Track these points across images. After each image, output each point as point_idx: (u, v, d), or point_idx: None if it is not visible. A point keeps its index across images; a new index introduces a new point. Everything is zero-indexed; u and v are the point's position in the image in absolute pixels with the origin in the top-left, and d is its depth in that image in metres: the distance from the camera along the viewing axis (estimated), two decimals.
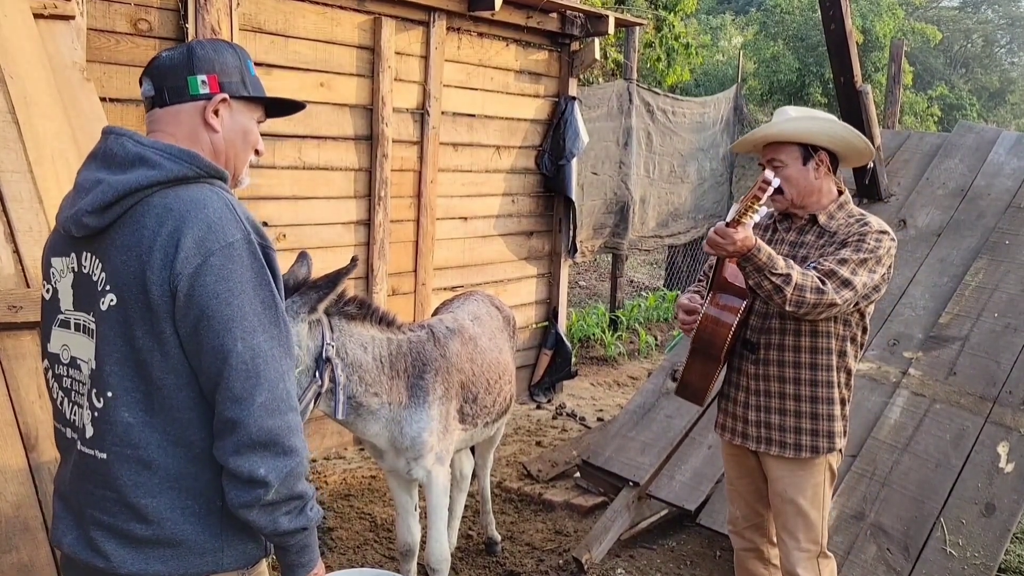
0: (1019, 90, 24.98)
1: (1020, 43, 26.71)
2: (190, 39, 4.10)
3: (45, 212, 3.01)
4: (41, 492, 2.55)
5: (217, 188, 1.63)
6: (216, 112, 1.71)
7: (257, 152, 1.84)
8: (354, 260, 2.75)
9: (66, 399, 1.69)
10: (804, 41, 16.79)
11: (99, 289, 1.60)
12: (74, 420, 1.67)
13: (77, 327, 1.64)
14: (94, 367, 1.61)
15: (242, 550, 1.66)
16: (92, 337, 1.61)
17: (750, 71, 17.59)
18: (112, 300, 1.57)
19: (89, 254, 1.62)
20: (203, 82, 1.69)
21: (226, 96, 1.71)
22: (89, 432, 1.63)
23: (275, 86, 4.56)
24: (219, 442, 1.56)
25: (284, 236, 4.78)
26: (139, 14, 4.00)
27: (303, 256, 2.80)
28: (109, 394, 1.59)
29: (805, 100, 16.52)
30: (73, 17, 3.46)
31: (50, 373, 1.73)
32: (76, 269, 1.65)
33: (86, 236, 1.62)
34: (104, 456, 1.60)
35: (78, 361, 1.64)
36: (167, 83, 1.69)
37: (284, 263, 4.66)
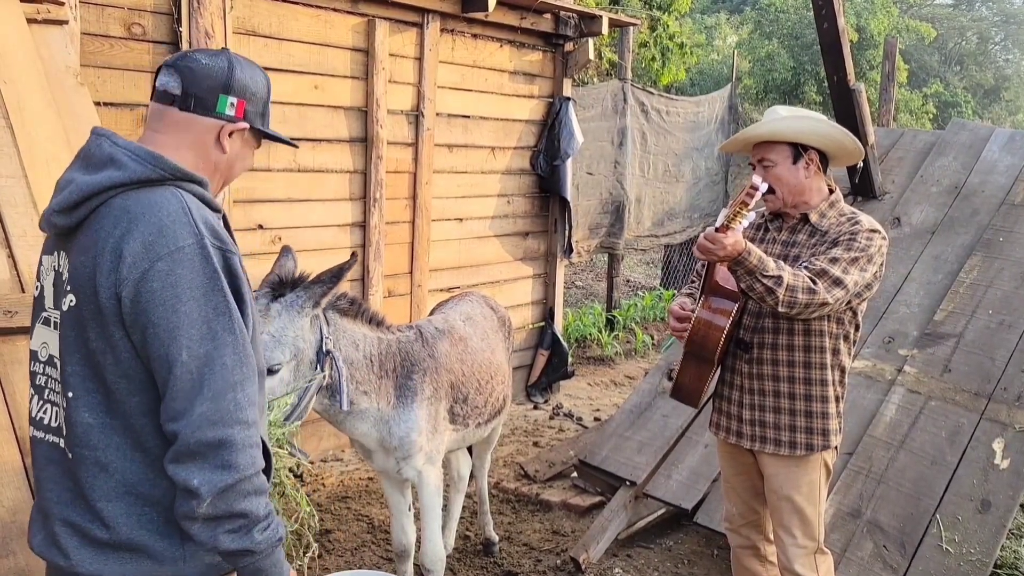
0: (1014, 87, 25.03)
1: (1014, 40, 26.76)
2: (184, 43, 4.10)
3: (40, 217, 3.01)
4: None
5: (181, 191, 1.60)
6: (231, 134, 1.72)
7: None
8: (354, 255, 2.79)
9: (37, 396, 1.69)
10: (799, 40, 16.81)
11: (64, 289, 1.60)
12: (42, 418, 1.67)
13: (54, 325, 1.64)
14: (59, 366, 1.61)
15: (207, 562, 1.61)
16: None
17: (745, 70, 17.60)
18: (72, 301, 1.57)
19: (63, 253, 1.63)
20: (232, 104, 1.69)
21: (248, 126, 1.73)
22: (63, 430, 1.62)
23: None
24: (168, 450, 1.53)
25: (280, 239, 4.78)
26: (132, 18, 4.00)
27: (286, 250, 2.84)
28: (70, 394, 1.58)
29: (800, 99, 16.54)
30: (66, 22, 3.47)
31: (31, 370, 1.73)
32: (56, 267, 1.65)
33: (61, 235, 1.63)
34: (70, 455, 1.60)
35: (54, 359, 1.64)
36: (198, 91, 1.67)
37: None
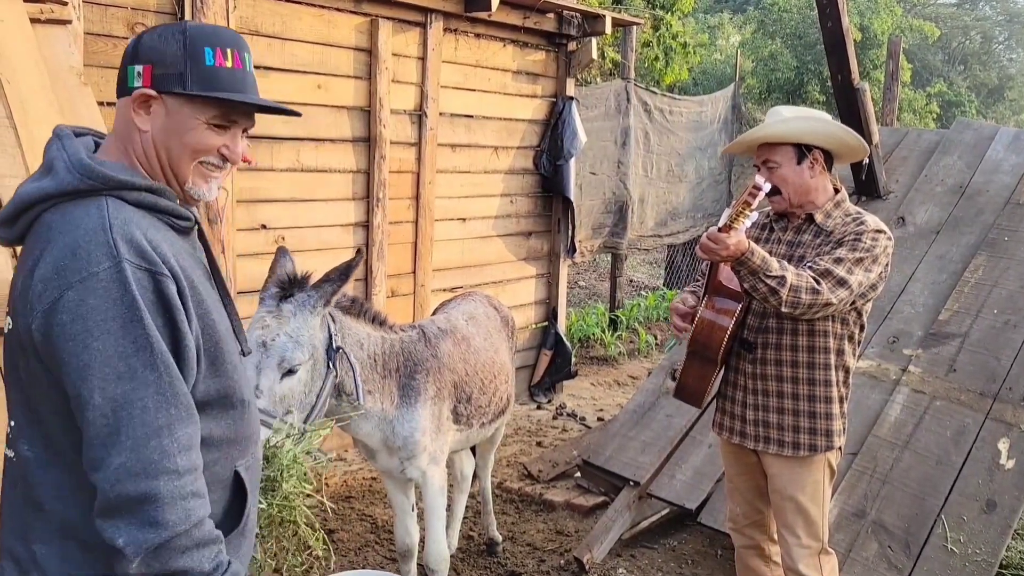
0: (1017, 86, 24.99)
1: (1018, 39, 26.71)
2: None
3: None
4: None
5: (109, 202, 1.40)
6: (145, 108, 1.47)
7: (230, 160, 1.58)
8: (359, 252, 2.81)
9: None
10: (802, 39, 16.78)
11: (4, 309, 1.47)
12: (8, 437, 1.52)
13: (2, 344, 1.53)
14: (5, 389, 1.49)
15: None
16: None
17: (748, 70, 17.59)
18: (9, 323, 1.43)
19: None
20: (138, 74, 1.46)
21: (149, 92, 1.46)
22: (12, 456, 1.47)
23: (272, 89, 4.56)
24: None
25: (283, 239, 4.78)
26: (136, 18, 4.00)
27: (282, 251, 2.81)
28: (12, 423, 1.44)
29: (803, 98, 16.51)
30: (70, 22, 3.47)
31: None
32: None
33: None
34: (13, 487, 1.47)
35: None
36: (119, 73, 1.50)
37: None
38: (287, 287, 2.65)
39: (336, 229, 5.08)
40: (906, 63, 16.89)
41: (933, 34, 18.69)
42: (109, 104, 3.92)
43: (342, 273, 2.65)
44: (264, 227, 4.66)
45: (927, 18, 21.28)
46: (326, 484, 4.83)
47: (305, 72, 4.76)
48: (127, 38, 3.98)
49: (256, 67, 4.70)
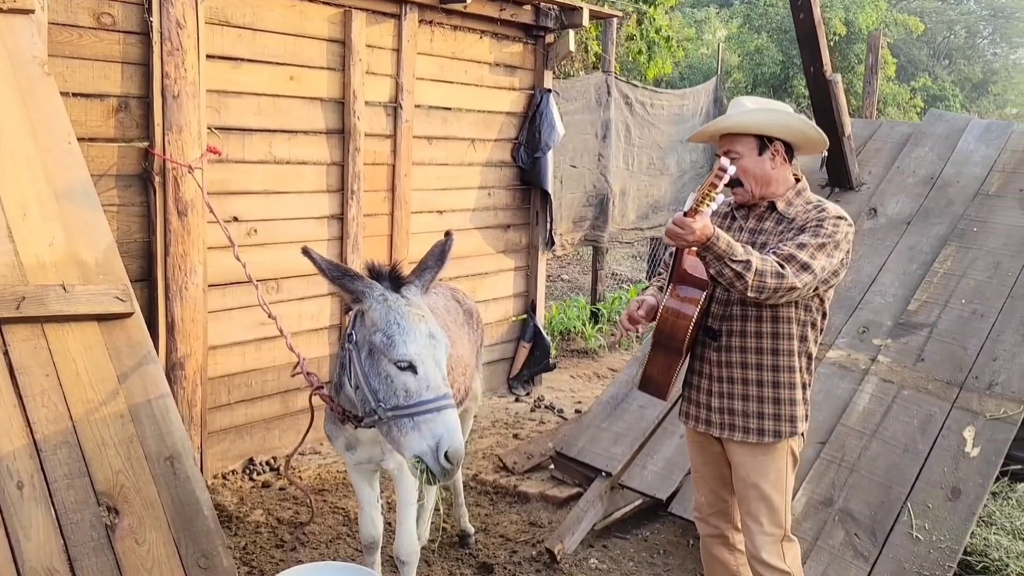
0: (1002, 81, 25.10)
1: (1002, 34, 26.81)
2: (155, 33, 4.07)
3: (4, 210, 2.99)
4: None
5: None
6: None
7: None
8: (449, 234, 2.90)
9: None
10: (787, 33, 16.79)
11: None
12: None
13: None
14: None
15: None
16: None
17: (735, 64, 17.62)
18: None
19: None
20: None
21: None
22: None
23: (243, 80, 4.54)
24: None
25: (256, 231, 4.76)
26: (102, 7, 3.97)
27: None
28: None
29: (789, 92, 16.55)
30: (33, 11, 3.44)
31: None
32: None
33: None
34: None
35: None
36: None
37: (254, 259, 4.64)
38: (396, 279, 2.70)
39: (310, 222, 5.06)
40: (891, 57, 16.93)
41: (918, 28, 18.73)
42: (75, 95, 3.91)
43: (437, 259, 2.80)
44: (236, 219, 4.64)
45: (912, 13, 21.32)
46: (300, 477, 4.83)
47: (277, 64, 4.74)
48: (93, 28, 3.97)
49: (227, 58, 4.69)
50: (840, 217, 2.76)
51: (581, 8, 6.23)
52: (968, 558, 3.50)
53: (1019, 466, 4.31)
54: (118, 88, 4.07)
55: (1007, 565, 3.41)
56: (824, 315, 2.88)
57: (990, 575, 3.43)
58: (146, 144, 4.16)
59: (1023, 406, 3.79)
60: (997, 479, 3.89)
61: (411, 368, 2.54)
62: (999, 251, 4.44)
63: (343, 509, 4.49)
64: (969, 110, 21.07)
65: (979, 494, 3.54)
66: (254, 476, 4.85)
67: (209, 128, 4.35)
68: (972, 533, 3.51)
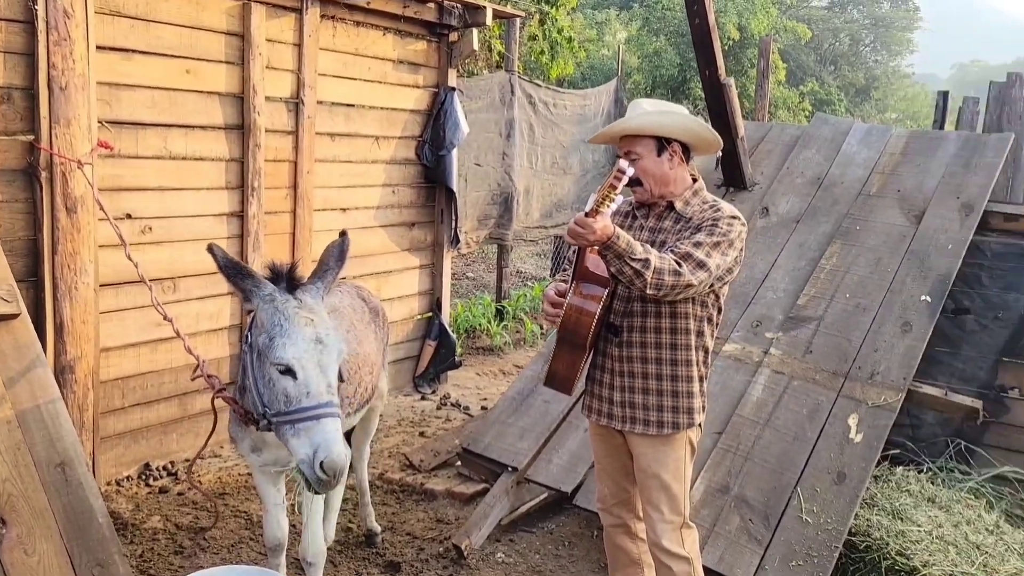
0: (883, 87, 26.54)
1: (883, 42, 28.33)
2: (39, 22, 3.89)
3: None
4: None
5: None
6: None
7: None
8: (345, 233, 2.87)
9: None
10: (685, 37, 17.27)
11: None
12: None
13: None
14: None
15: None
16: None
17: (634, 66, 18.01)
18: None
19: None
20: None
21: None
22: None
23: (136, 72, 4.38)
24: None
25: (150, 229, 4.60)
26: None
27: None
28: None
29: (687, 94, 17.05)
30: None
31: None
32: None
33: None
34: None
35: None
36: None
37: (149, 257, 4.50)
38: (291, 281, 2.63)
39: (208, 219, 4.93)
40: (781, 62, 17.65)
41: (805, 35, 19.61)
42: None
43: (337, 259, 2.75)
44: (129, 216, 4.48)
45: (800, 19, 22.29)
46: (200, 481, 4.70)
47: (173, 56, 4.59)
48: None
49: (119, 49, 4.54)
50: (734, 216, 2.88)
51: (484, 7, 6.27)
52: (852, 538, 3.70)
53: (898, 450, 4.60)
54: (1, 79, 3.87)
55: (887, 544, 3.62)
56: (720, 310, 3.00)
57: (872, 553, 3.63)
58: (31, 138, 3.97)
59: (901, 394, 4.04)
60: (878, 463, 4.14)
61: (290, 373, 2.47)
62: (879, 248, 4.71)
63: (245, 512, 4.39)
64: (853, 114, 22.17)
65: (862, 477, 3.75)
66: (151, 482, 4.69)
67: (100, 122, 4.17)
68: (856, 515, 3.71)
